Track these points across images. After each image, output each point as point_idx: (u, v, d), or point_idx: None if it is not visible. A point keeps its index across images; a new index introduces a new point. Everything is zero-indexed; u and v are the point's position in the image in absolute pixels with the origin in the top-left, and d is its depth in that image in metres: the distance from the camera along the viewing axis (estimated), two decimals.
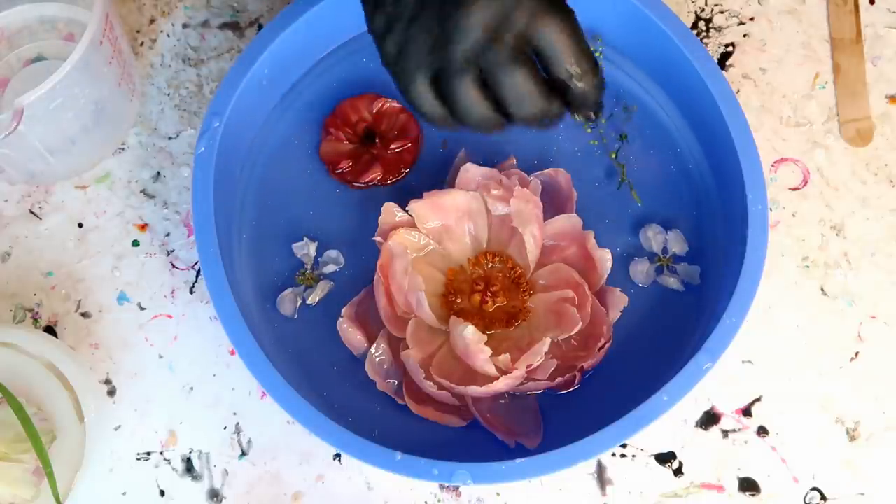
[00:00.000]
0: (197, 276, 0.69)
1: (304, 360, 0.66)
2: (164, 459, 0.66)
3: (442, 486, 0.65)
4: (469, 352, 0.62)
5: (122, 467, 0.66)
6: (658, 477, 0.65)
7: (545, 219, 0.66)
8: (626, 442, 0.63)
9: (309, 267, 0.68)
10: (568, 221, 0.67)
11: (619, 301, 0.65)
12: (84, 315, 0.69)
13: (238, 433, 0.66)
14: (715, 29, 0.75)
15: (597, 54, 0.61)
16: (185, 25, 0.76)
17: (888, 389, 0.67)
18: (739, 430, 0.66)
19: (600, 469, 0.65)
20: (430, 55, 0.52)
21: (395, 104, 0.71)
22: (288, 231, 0.69)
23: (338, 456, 0.66)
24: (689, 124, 0.70)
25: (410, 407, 0.64)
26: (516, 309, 0.66)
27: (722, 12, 0.76)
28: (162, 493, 0.65)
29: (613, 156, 0.69)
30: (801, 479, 0.65)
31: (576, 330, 0.64)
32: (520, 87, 0.51)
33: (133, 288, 0.69)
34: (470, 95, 0.52)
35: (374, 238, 0.67)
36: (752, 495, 0.65)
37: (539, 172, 0.68)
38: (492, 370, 0.62)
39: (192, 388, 0.67)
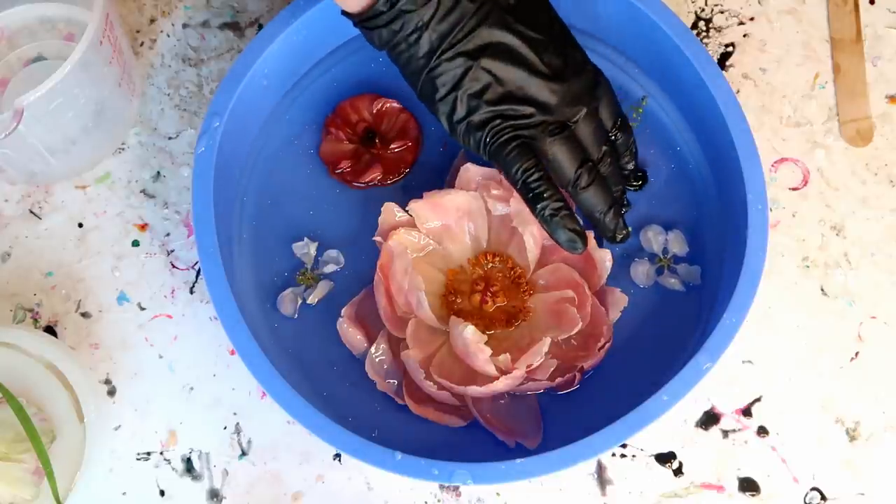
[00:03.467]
0: (197, 276, 0.69)
1: (304, 360, 0.66)
2: (164, 459, 0.66)
3: (442, 486, 0.65)
4: (469, 352, 0.62)
5: (122, 467, 0.66)
6: (658, 477, 0.65)
7: None
8: (626, 442, 0.63)
9: (309, 267, 0.68)
10: None
11: (619, 301, 0.65)
12: (84, 315, 0.69)
13: (238, 433, 0.66)
14: (715, 29, 0.75)
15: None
16: (185, 25, 0.76)
17: (888, 389, 0.67)
18: (739, 430, 0.66)
19: (600, 469, 0.65)
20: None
21: (395, 104, 0.71)
22: (288, 231, 0.69)
23: (338, 456, 0.66)
24: (689, 124, 0.70)
25: (410, 407, 0.64)
26: (516, 309, 0.66)
27: (722, 12, 0.76)
28: (162, 493, 0.65)
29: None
30: (801, 479, 0.65)
31: (576, 330, 0.64)
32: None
33: (133, 288, 0.69)
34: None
35: (374, 238, 0.67)
36: (752, 495, 0.65)
37: None
38: (492, 370, 0.62)
39: (192, 388, 0.67)
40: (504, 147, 0.60)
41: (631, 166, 0.66)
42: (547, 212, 0.60)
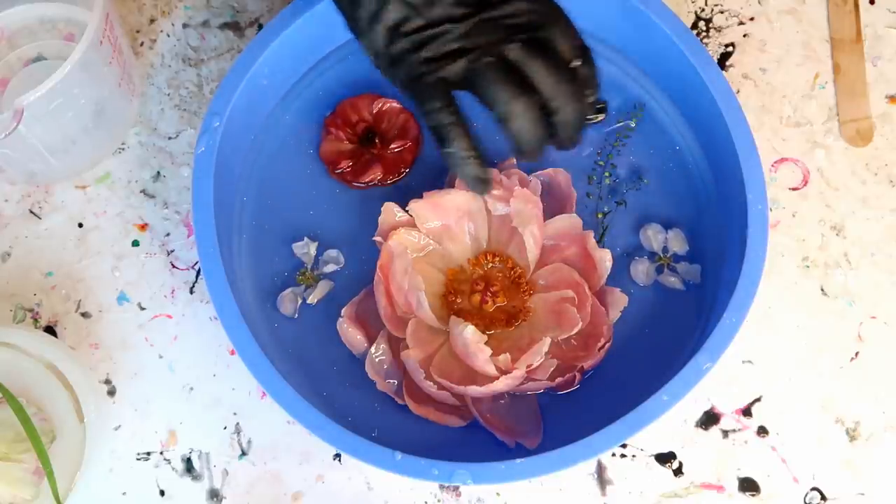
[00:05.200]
0: (197, 276, 0.70)
1: (304, 360, 0.66)
2: (164, 459, 0.66)
3: (442, 486, 0.65)
4: (469, 352, 0.62)
5: (122, 467, 0.66)
6: (658, 477, 0.65)
7: (545, 219, 0.66)
8: (626, 442, 0.63)
9: (309, 267, 0.68)
10: (568, 221, 0.67)
11: (619, 301, 0.65)
12: (84, 315, 0.69)
13: (238, 433, 0.66)
14: (715, 29, 0.75)
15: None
16: (185, 25, 0.76)
17: (888, 389, 0.67)
18: (739, 430, 0.66)
19: (600, 469, 0.65)
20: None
21: (395, 104, 0.71)
22: (288, 231, 0.69)
23: (338, 456, 0.66)
24: (689, 124, 0.70)
25: (410, 407, 0.64)
26: (516, 309, 0.66)
27: (722, 12, 0.76)
28: (162, 493, 0.65)
29: (600, 216, 0.69)
30: (801, 479, 0.65)
31: (576, 330, 0.64)
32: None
33: (133, 288, 0.69)
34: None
35: (374, 238, 0.67)
36: (752, 495, 0.65)
37: (539, 172, 0.68)
38: (492, 370, 0.62)
39: (192, 388, 0.67)
40: (417, 84, 0.57)
41: (591, 99, 0.58)
42: (452, 160, 0.57)
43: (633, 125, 0.70)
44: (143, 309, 0.69)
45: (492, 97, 0.56)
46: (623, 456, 0.66)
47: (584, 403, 0.64)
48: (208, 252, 0.63)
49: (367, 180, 0.70)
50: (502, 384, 0.61)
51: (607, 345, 0.64)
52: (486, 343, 0.62)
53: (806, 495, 0.65)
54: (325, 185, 0.70)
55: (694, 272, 0.67)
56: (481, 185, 0.58)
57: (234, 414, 0.66)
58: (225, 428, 0.66)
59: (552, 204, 0.68)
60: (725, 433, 0.66)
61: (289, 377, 0.61)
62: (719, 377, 0.66)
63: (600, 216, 0.69)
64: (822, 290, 0.69)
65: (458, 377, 0.63)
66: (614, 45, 0.72)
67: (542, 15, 0.57)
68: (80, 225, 0.71)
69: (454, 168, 0.58)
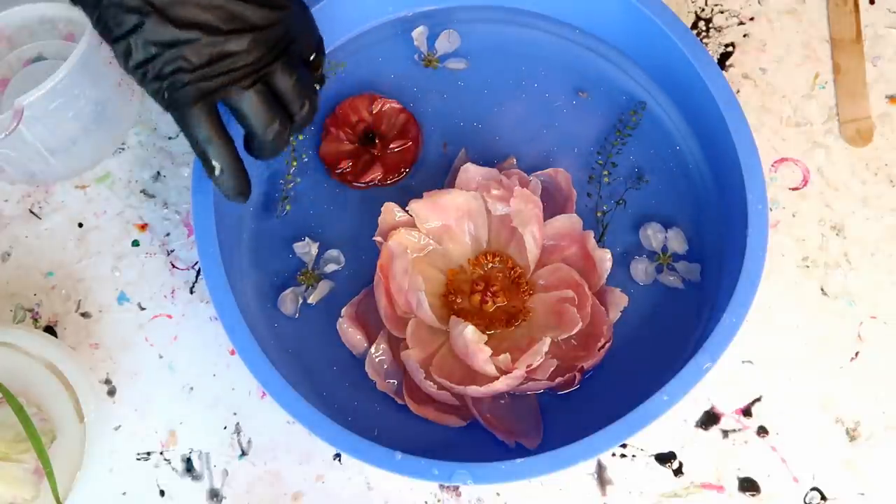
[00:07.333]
0: (197, 276, 0.69)
1: (304, 360, 0.66)
2: (164, 459, 0.66)
3: (442, 486, 0.65)
4: (469, 352, 0.62)
5: (122, 467, 0.66)
6: (658, 477, 0.65)
7: (545, 219, 0.66)
8: (626, 442, 0.63)
9: (310, 266, 0.68)
10: (568, 221, 0.67)
11: (619, 301, 0.65)
12: (84, 315, 0.69)
13: (238, 433, 0.66)
14: (715, 29, 0.76)
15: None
16: None
17: (888, 389, 0.67)
18: (739, 430, 0.66)
19: (600, 469, 0.65)
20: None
21: (395, 104, 0.71)
22: (288, 231, 0.69)
23: (338, 456, 0.66)
24: (689, 124, 0.70)
25: (410, 407, 0.64)
26: (516, 309, 0.66)
27: (722, 12, 0.76)
28: (162, 493, 0.65)
29: (600, 214, 0.69)
30: (801, 479, 0.65)
31: (576, 330, 0.64)
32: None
33: (133, 288, 0.69)
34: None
35: (374, 238, 0.67)
36: (752, 495, 0.65)
37: (539, 172, 0.68)
38: (492, 370, 0.62)
39: (192, 388, 0.67)
40: (184, 105, 0.56)
41: (320, 86, 0.62)
42: (215, 184, 0.60)
43: (633, 125, 0.70)
44: (143, 309, 0.69)
45: (249, 121, 0.58)
46: (623, 456, 0.66)
47: (584, 403, 0.64)
48: (208, 252, 0.63)
49: (367, 180, 0.70)
50: (502, 384, 0.61)
51: (607, 345, 0.64)
52: (486, 343, 0.62)
53: (806, 495, 0.65)
54: (325, 186, 0.70)
55: (693, 271, 0.67)
56: (241, 198, 0.60)
57: (234, 414, 0.66)
58: (225, 428, 0.66)
59: (552, 204, 0.68)
60: (725, 433, 0.66)
61: (289, 377, 0.61)
62: (719, 377, 0.66)
63: (600, 215, 0.69)
64: (822, 290, 0.69)
65: (458, 377, 0.63)
66: (614, 45, 0.72)
67: (294, 22, 0.58)
68: (80, 225, 0.71)
69: (215, 184, 0.60)
